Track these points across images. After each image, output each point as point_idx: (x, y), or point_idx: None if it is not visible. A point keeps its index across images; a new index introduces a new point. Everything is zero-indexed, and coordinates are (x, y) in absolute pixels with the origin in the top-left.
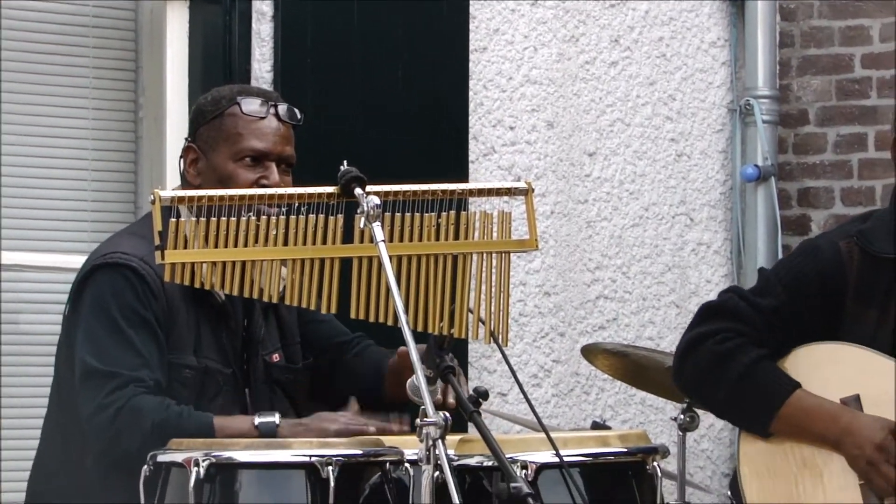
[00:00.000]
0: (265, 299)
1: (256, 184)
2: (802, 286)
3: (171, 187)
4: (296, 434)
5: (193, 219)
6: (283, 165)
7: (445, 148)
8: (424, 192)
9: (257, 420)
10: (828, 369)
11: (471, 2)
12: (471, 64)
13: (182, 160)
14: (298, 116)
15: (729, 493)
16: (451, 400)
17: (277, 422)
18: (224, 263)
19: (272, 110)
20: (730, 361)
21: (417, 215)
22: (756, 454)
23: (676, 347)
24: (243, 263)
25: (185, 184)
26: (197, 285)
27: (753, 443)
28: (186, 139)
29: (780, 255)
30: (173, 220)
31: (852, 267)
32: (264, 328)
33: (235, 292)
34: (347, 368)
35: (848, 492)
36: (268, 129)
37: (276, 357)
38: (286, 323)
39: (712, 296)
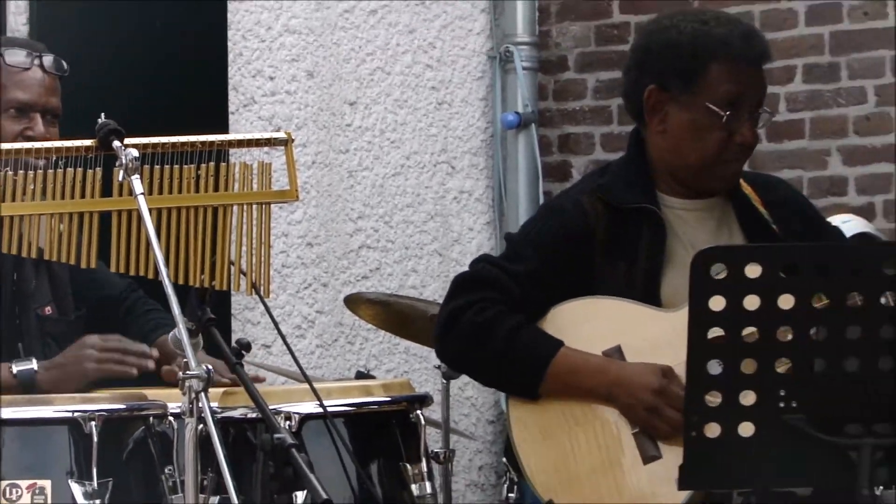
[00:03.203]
0: (24, 255)
1: (21, 135)
2: (551, 246)
3: None
4: (54, 379)
5: None
6: (48, 116)
7: (205, 99)
8: (183, 144)
9: (15, 368)
10: (587, 324)
11: None
12: (229, 14)
13: None
14: (65, 67)
15: (504, 459)
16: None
17: (35, 367)
18: None
19: (37, 61)
20: (491, 331)
21: (177, 168)
22: (527, 418)
23: (436, 322)
24: (1, 218)
25: None
26: None
27: (523, 406)
28: None
29: (542, 202)
30: None
31: (597, 221)
32: (35, 281)
33: None
34: (119, 331)
35: (622, 442)
36: (32, 80)
37: (48, 310)
38: (57, 275)
39: (475, 244)
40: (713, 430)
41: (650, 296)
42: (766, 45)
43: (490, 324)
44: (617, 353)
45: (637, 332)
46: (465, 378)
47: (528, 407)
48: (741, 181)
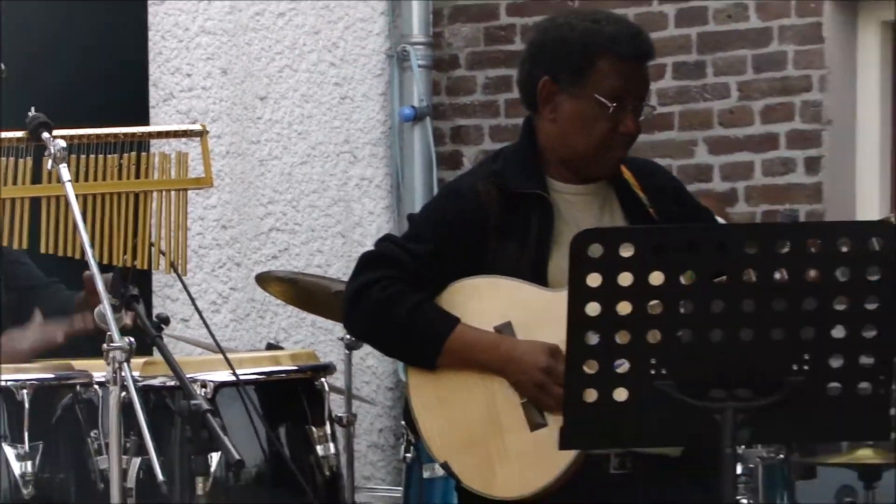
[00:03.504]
0: None
1: None
2: (448, 228)
3: None
4: None
5: None
6: None
7: (127, 95)
8: (107, 135)
9: None
10: (481, 301)
11: None
12: (150, 16)
13: None
14: (2, 68)
15: (403, 422)
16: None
17: None
18: None
19: None
20: (393, 307)
21: (101, 157)
22: (425, 386)
23: (343, 297)
24: None
25: None
26: None
27: (421, 376)
28: None
29: (436, 188)
30: None
31: (490, 205)
32: None
33: None
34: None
35: (512, 411)
36: None
37: None
38: None
39: (375, 226)
40: (591, 395)
41: (538, 275)
42: (651, 44)
43: (393, 300)
44: (507, 328)
45: (526, 309)
46: (366, 348)
47: (426, 376)
48: (623, 167)
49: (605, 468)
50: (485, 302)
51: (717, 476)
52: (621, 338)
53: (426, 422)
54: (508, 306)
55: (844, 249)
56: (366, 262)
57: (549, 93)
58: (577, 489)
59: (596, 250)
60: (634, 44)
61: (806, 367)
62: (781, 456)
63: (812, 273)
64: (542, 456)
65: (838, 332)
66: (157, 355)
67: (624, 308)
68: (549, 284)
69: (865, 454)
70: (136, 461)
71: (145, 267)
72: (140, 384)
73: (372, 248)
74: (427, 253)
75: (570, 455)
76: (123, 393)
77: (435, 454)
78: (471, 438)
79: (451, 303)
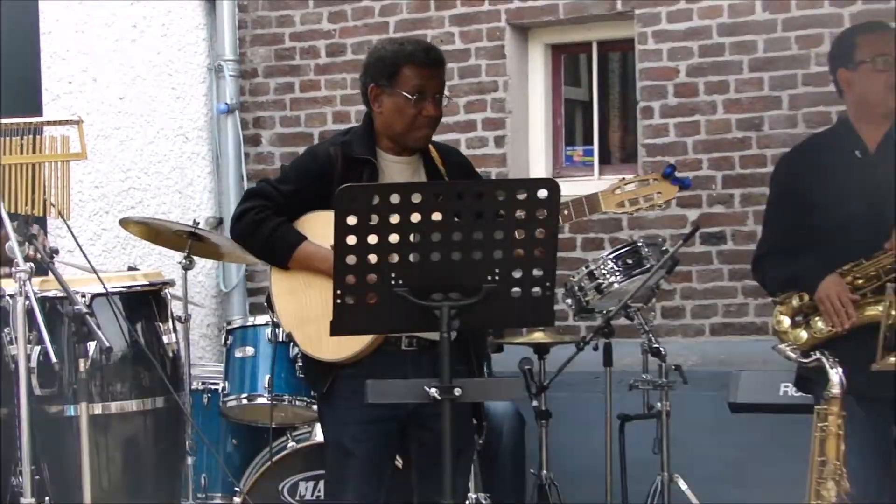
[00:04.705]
0: None
1: None
2: (306, 176)
3: None
4: None
5: None
6: None
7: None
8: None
9: None
10: (322, 227)
11: None
12: (42, 44)
13: None
14: None
15: (266, 303)
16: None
17: None
18: None
19: None
20: (262, 226)
21: (8, 139)
22: (281, 281)
23: (232, 216)
24: None
25: None
26: None
27: (279, 273)
28: None
29: (244, 162)
30: None
31: (337, 163)
32: None
33: None
34: None
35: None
36: None
37: None
38: None
39: (201, 185)
40: (350, 299)
41: None
42: (440, 55)
43: (262, 221)
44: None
45: None
46: (198, 268)
47: (281, 273)
48: (432, 148)
49: (399, 345)
50: (326, 228)
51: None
52: (371, 259)
53: (280, 305)
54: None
55: (521, 197)
56: (247, 194)
57: (375, 95)
58: (383, 358)
59: (352, 200)
60: (427, 56)
61: (497, 278)
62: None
63: (501, 212)
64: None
65: (518, 253)
66: (50, 276)
67: (372, 239)
68: None
69: (538, 336)
70: (37, 348)
71: (41, 214)
72: (38, 295)
73: (255, 184)
74: (290, 192)
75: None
76: (27, 301)
77: (284, 326)
78: (308, 318)
79: (302, 226)
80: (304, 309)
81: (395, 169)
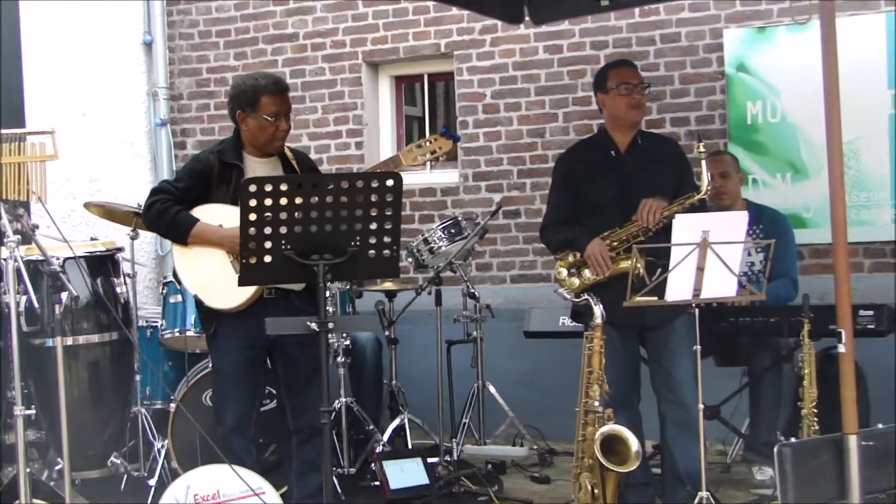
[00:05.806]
0: None
1: None
2: (193, 177)
3: None
4: None
5: None
6: None
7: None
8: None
9: None
10: (212, 215)
11: None
12: (23, 64)
13: None
14: None
15: (172, 275)
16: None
17: None
18: None
19: None
20: (165, 213)
21: (4, 144)
22: (183, 253)
23: (143, 207)
24: None
25: None
26: None
27: (181, 248)
28: None
29: (173, 162)
30: None
31: (214, 166)
32: None
33: None
34: None
35: (227, 264)
36: None
37: None
38: None
39: (143, 178)
40: (252, 259)
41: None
42: (286, 84)
43: (165, 210)
44: (221, 225)
45: (228, 217)
46: (141, 238)
47: (183, 249)
48: (287, 151)
49: (263, 294)
50: (212, 214)
51: (314, 297)
52: (266, 231)
53: (183, 273)
54: (221, 215)
55: (374, 185)
56: (154, 191)
57: (241, 117)
58: (259, 305)
59: (253, 187)
60: (277, 86)
61: (358, 243)
62: (348, 287)
63: (360, 197)
64: (241, 288)
65: (373, 226)
66: (33, 244)
67: (267, 215)
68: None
69: (388, 285)
70: (23, 298)
71: (25, 199)
72: (24, 259)
73: (157, 184)
74: (183, 188)
75: (252, 288)
76: (16, 263)
77: (188, 289)
78: (205, 281)
79: (198, 214)
80: (201, 274)
81: (259, 169)
